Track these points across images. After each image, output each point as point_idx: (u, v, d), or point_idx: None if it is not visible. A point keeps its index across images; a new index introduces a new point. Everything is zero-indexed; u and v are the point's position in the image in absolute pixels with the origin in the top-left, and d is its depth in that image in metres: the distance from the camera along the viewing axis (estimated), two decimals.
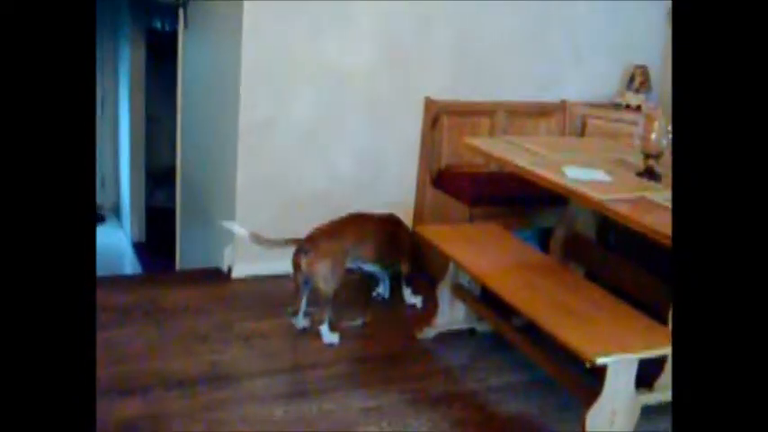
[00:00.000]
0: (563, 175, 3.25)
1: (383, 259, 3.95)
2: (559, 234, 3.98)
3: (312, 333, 3.65)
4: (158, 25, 6.27)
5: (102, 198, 7.72)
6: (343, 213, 3.85)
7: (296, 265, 3.59)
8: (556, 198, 3.55)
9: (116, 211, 7.78)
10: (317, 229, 3.70)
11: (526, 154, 3.63)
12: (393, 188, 4.56)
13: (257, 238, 3.59)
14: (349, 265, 3.77)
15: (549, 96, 4.88)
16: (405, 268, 4.05)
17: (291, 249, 3.61)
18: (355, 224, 3.83)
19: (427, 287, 4.03)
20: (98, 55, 7.25)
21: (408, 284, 4.10)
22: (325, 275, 3.56)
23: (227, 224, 3.71)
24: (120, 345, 3.43)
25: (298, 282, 3.63)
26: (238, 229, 3.61)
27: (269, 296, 4.06)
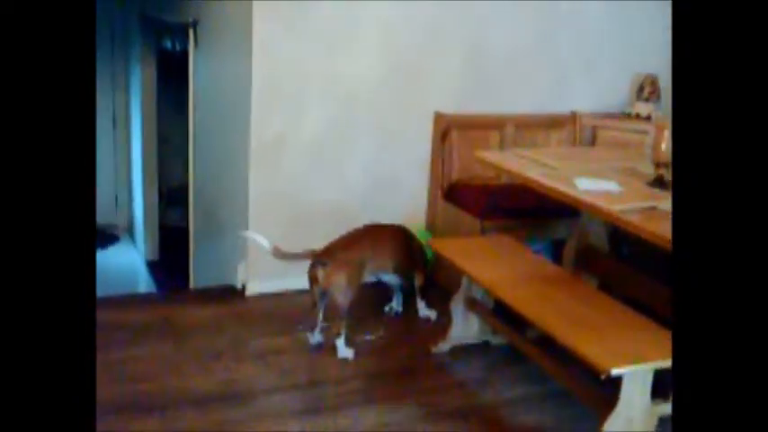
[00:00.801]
0: (574, 186, 3.25)
1: (401, 268, 3.96)
2: (572, 246, 3.97)
3: (326, 349, 3.65)
4: (169, 45, 6.31)
5: (116, 217, 7.77)
6: (355, 228, 3.87)
7: (313, 279, 3.59)
8: (567, 209, 3.55)
9: (130, 231, 7.82)
10: (334, 241, 3.71)
11: (537, 166, 3.63)
12: (404, 202, 4.58)
13: (278, 252, 3.60)
14: (367, 278, 3.78)
15: (560, 108, 4.89)
16: (419, 280, 4.06)
17: (306, 264, 3.62)
18: (371, 235, 3.85)
19: (440, 301, 4.03)
20: (109, 75, 7.32)
21: (422, 297, 4.11)
22: (342, 287, 3.57)
23: (250, 234, 3.74)
24: (136, 363, 3.45)
25: (315, 296, 3.64)
26: (261, 240, 3.61)
27: (283, 313, 4.07)
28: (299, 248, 3.68)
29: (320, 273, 3.55)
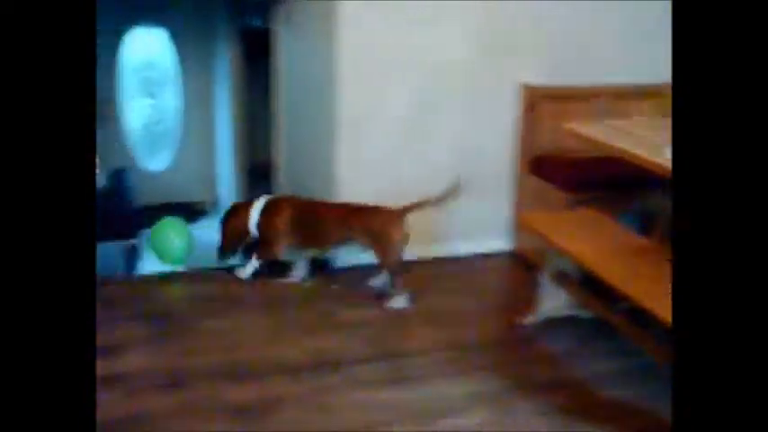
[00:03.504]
0: (665, 156, 3.18)
1: None
2: (662, 217, 3.90)
3: (414, 321, 3.72)
4: (254, 23, 6.38)
5: (201, 194, 7.94)
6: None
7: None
8: (658, 181, 3.47)
9: (216, 207, 7.99)
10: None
11: (628, 137, 3.57)
12: (490, 176, 4.56)
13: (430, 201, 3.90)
14: None
15: (651, 78, 4.77)
16: None
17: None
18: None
19: (528, 274, 3.98)
20: (195, 55, 7.44)
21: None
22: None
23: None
24: (231, 333, 3.56)
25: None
26: None
27: (368, 285, 4.11)
28: None
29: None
